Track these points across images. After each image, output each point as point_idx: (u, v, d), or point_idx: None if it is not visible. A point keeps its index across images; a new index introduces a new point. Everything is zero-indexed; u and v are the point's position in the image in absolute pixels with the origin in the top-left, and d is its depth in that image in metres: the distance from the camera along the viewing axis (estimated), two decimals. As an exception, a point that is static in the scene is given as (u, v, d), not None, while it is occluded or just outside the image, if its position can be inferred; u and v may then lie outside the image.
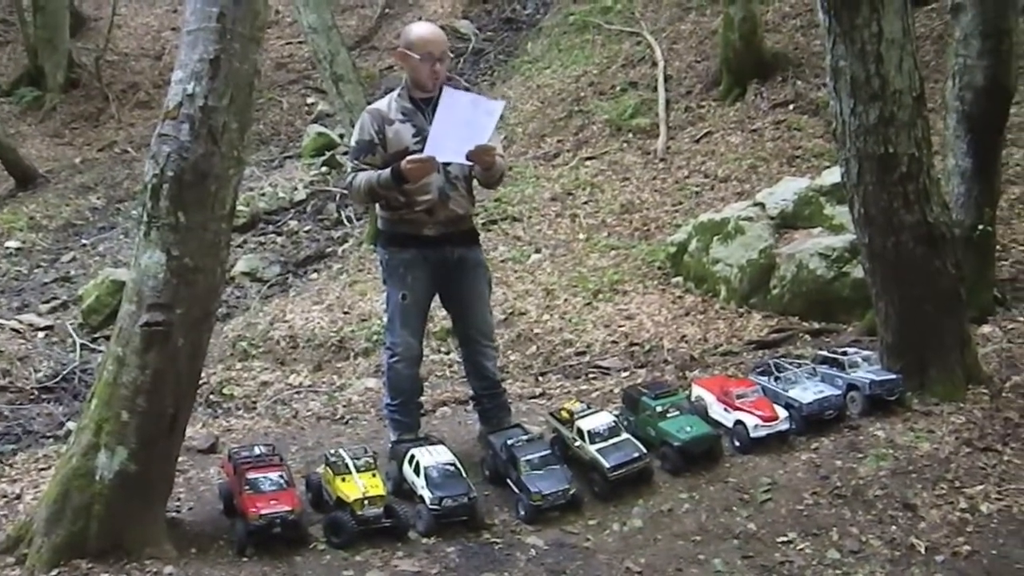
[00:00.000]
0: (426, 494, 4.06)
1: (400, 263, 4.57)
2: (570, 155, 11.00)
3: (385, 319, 4.79)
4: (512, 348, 7.14)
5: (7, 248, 11.64)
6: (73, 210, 12.85)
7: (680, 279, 7.86)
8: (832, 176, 7.15)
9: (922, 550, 3.69)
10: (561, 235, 9.20)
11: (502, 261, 8.69)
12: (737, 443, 4.56)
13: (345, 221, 11.04)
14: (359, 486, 4.00)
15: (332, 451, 4.32)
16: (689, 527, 4.00)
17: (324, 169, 12.34)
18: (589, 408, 4.63)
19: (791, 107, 10.42)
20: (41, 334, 9.04)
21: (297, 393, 6.97)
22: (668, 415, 4.54)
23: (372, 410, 6.06)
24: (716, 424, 4.66)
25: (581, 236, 9.08)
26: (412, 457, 4.25)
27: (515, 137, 11.68)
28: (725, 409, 4.68)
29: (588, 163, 10.66)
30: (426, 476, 4.11)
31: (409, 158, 4.28)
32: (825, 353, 5.11)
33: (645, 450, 4.36)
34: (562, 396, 5.83)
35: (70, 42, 16.77)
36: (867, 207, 4.84)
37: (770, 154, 9.68)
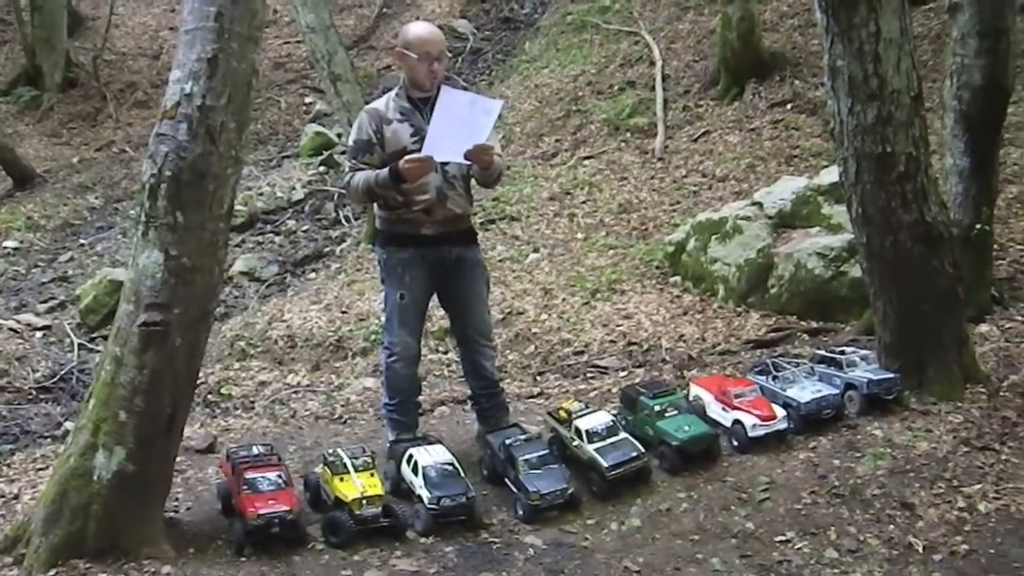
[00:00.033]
0: (424, 494, 4.06)
1: (398, 263, 4.57)
2: (568, 154, 11.01)
3: (383, 319, 4.78)
4: (510, 348, 7.14)
5: (5, 248, 11.63)
6: (71, 210, 12.84)
7: (678, 278, 7.87)
8: (830, 175, 7.15)
9: (920, 549, 3.69)
10: (559, 234, 9.21)
11: (500, 260, 8.69)
12: (735, 442, 4.56)
13: (343, 221, 11.03)
14: (357, 486, 4.00)
15: (330, 451, 4.31)
16: (687, 526, 4.00)
17: (322, 169, 12.35)
18: (587, 407, 4.63)
19: (789, 106, 10.43)
20: (39, 334, 9.04)
21: (295, 393, 6.96)
22: (666, 414, 4.54)
23: (370, 410, 6.06)
24: (714, 423, 4.66)
25: (579, 235, 9.08)
26: (410, 457, 4.25)
27: (513, 136, 11.68)
28: (723, 408, 4.68)
29: (586, 162, 10.67)
30: (424, 476, 4.11)
31: (407, 158, 4.27)
32: (823, 352, 5.11)
33: (643, 449, 4.36)
34: (560, 395, 5.82)
35: (68, 42, 16.76)
36: (865, 206, 4.84)
37: (768, 153, 9.69)
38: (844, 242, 6.72)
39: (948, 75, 5.89)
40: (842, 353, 4.95)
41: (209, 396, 7.15)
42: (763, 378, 4.91)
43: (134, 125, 15.57)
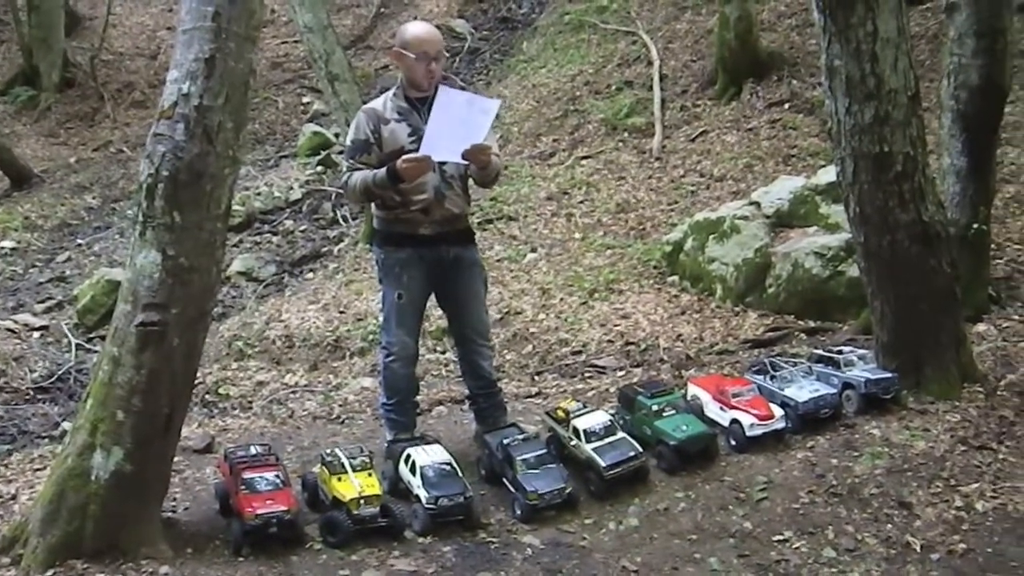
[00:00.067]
0: (422, 493, 4.06)
1: (396, 262, 4.57)
2: (566, 154, 11.01)
3: (381, 318, 4.78)
4: (508, 347, 7.14)
5: (2, 248, 11.63)
6: (68, 210, 12.83)
7: (676, 278, 7.87)
8: (827, 175, 7.16)
9: (918, 548, 3.70)
10: (557, 234, 9.21)
11: (498, 260, 8.69)
12: (733, 442, 4.56)
13: (341, 220, 11.03)
14: (355, 485, 4.00)
15: (328, 451, 4.32)
16: (685, 526, 4.01)
17: (320, 168, 12.34)
18: (585, 407, 4.63)
19: (787, 106, 10.44)
20: (36, 334, 9.03)
21: (293, 393, 6.96)
22: (664, 414, 4.54)
23: (368, 409, 6.06)
24: (712, 423, 4.66)
25: (577, 235, 9.08)
26: (408, 456, 4.25)
27: (511, 136, 11.68)
28: (721, 408, 4.69)
29: (584, 162, 10.67)
30: (422, 475, 4.11)
31: (405, 157, 4.27)
32: (821, 352, 5.12)
33: (641, 449, 4.36)
34: (558, 395, 5.82)
35: (65, 41, 16.75)
36: (862, 206, 4.85)
37: (766, 153, 9.69)
38: (842, 242, 6.72)
39: (945, 75, 5.90)
40: (840, 352, 4.95)
41: (207, 396, 7.14)
42: (761, 377, 4.91)
43: (131, 125, 15.56)
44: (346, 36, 15.79)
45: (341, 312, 8.24)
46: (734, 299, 7.31)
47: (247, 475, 4.00)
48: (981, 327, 5.78)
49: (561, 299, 7.76)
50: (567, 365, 6.70)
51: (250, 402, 6.95)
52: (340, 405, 6.34)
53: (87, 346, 8.60)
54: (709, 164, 9.84)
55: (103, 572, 3.62)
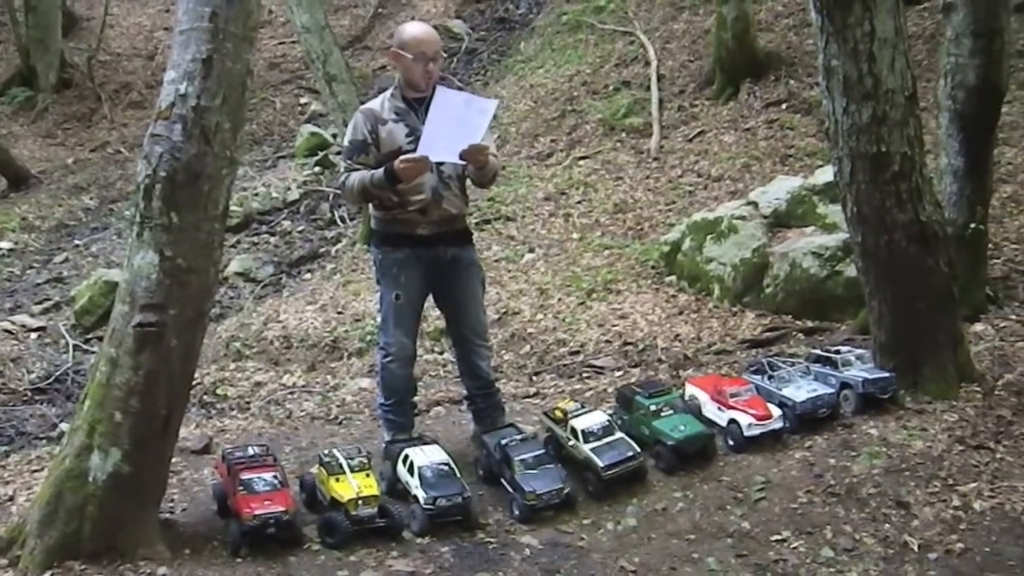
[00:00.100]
0: (420, 494, 4.06)
1: (393, 263, 4.57)
2: (563, 155, 11.01)
3: (379, 319, 4.78)
4: (506, 348, 7.14)
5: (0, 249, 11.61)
6: (66, 211, 12.82)
7: (674, 278, 7.87)
8: (825, 175, 7.16)
9: (915, 548, 3.70)
10: (555, 234, 9.20)
11: (496, 261, 8.69)
12: (731, 442, 4.57)
13: (338, 221, 11.02)
14: (353, 486, 4.00)
15: (326, 451, 4.32)
16: (683, 526, 4.01)
17: (317, 169, 12.34)
18: (583, 407, 4.63)
19: (784, 106, 10.44)
20: (34, 335, 9.01)
21: (291, 393, 6.95)
22: (662, 414, 4.54)
23: (366, 410, 6.06)
24: (710, 423, 4.66)
25: (575, 235, 9.08)
26: (406, 457, 4.25)
27: (508, 137, 11.68)
28: (719, 408, 4.69)
29: (581, 162, 10.67)
30: (420, 476, 4.11)
31: (402, 158, 4.27)
32: (818, 352, 5.12)
33: (639, 449, 4.37)
34: (556, 395, 5.82)
35: (62, 42, 16.72)
36: (860, 206, 4.85)
37: (763, 153, 9.69)
38: (839, 241, 6.73)
39: (942, 75, 5.91)
40: (837, 352, 4.96)
41: (205, 397, 7.13)
42: (759, 377, 4.91)
43: (129, 126, 15.55)
44: (344, 36, 15.78)
45: (339, 313, 8.24)
46: (732, 299, 7.31)
47: (245, 476, 4.00)
48: (978, 327, 5.78)
49: (559, 299, 7.76)
50: (565, 365, 6.70)
51: (248, 403, 6.94)
52: (338, 406, 6.34)
53: (85, 347, 8.59)
54: (707, 164, 9.84)
55: (101, 573, 3.62)
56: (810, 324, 6.71)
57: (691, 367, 6.14)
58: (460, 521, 4.06)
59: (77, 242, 11.78)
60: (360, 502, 3.94)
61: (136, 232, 3.80)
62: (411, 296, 4.60)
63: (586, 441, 4.36)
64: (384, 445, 4.68)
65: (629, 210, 9.38)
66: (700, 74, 11.64)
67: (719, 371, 5.80)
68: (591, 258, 8.48)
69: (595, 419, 4.46)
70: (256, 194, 11.85)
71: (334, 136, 12.21)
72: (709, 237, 7.63)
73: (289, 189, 11.95)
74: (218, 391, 7.23)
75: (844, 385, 4.76)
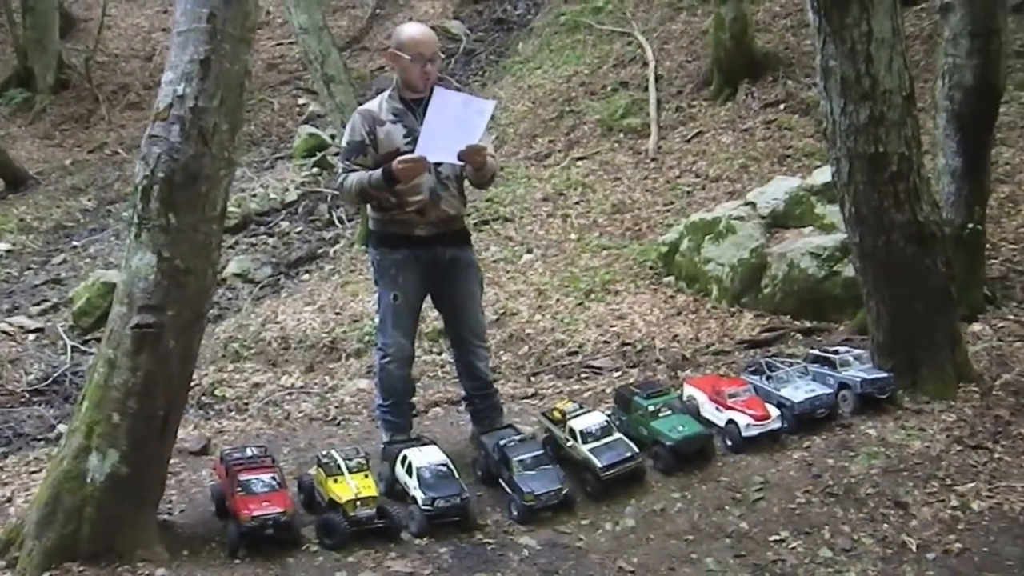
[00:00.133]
0: (418, 495, 4.05)
1: (391, 264, 4.57)
2: (561, 155, 11.01)
3: (377, 320, 4.78)
4: (504, 348, 7.14)
5: (-3, 250, 11.61)
6: (64, 212, 12.81)
7: (672, 279, 7.87)
8: (823, 175, 7.17)
9: (914, 548, 3.70)
10: (553, 235, 9.20)
11: (494, 261, 8.69)
12: (729, 442, 4.57)
13: (336, 222, 11.02)
14: (351, 487, 4.00)
15: (324, 452, 4.31)
16: (682, 526, 4.01)
17: (315, 170, 12.33)
18: (581, 408, 4.63)
19: (782, 107, 10.45)
20: (32, 336, 9.01)
21: (289, 394, 6.95)
22: (660, 414, 4.55)
23: (364, 411, 6.06)
24: (708, 423, 4.66)
25: (573, 236, 9.08)
26: (404, 458, 4.25)
27: (506, 137, 11.68)
28: (717, 408, 4.69)
29: (579, 163, 10.67)
30: (418, 477, 4.11)
31: (400, 158, 4.27)
32: (816, 352, 5.13)
33: (637, 450, 4.37)
34: (554, 396, 5.82)
35: (60, 43, 16.71)
36: (858, 206, 4.86)
37: (761, 153, 9.70)
38: (837, 242, 6.73)
39: (940, 75, 5.91)
40: (835, 353, 4.96)
41: (203, 398, 7.13)
42: (757, 378, 4.91)
43: (127, 127, 15.54)
44: (342, 37, 15.78)
45: (337, 314, 8.23)
46: (730, 299, 7.31)
47: (243, 477, 4.00)
48: (976, 327, 5.79)
49: (557, 300, 7.77)
50: (563, 366, 6.70)
51: (246, 404, 6.94)
52: (336, 407, 6.33)
53: (83, 348, 8.58)
54: (705, 165, 9.84)
55: (99, 575, 3.62)
56: (808, 324, 6.71)
57: (689, 367, 6.14)
58: (458, 522, 4.06)
59: (75, 243, 11.77)
60: (358, 503, 3.94)
61: (134, 233, 3.79)
62: (409, 297, 4.60)
63: (584, 442, 4.36)
64: (382, 446, 4.68)
65: (627, 210, 9.38)
66: (698, 75, 11.64)
67: (717, 371, 5.80)
68: (589, 259, 8.48)
69: (593, 420, 4.46)
70: (254, 195, 11.85)
71: (332, 137, 12.20)
72: (707, 237, 7.64)
73: (287, 190, 11.95)
74: (216, 392, 7.23)
75: (842, 385, 4.77)
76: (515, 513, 4.15)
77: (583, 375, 6.40)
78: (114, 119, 15.88)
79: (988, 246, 6.42)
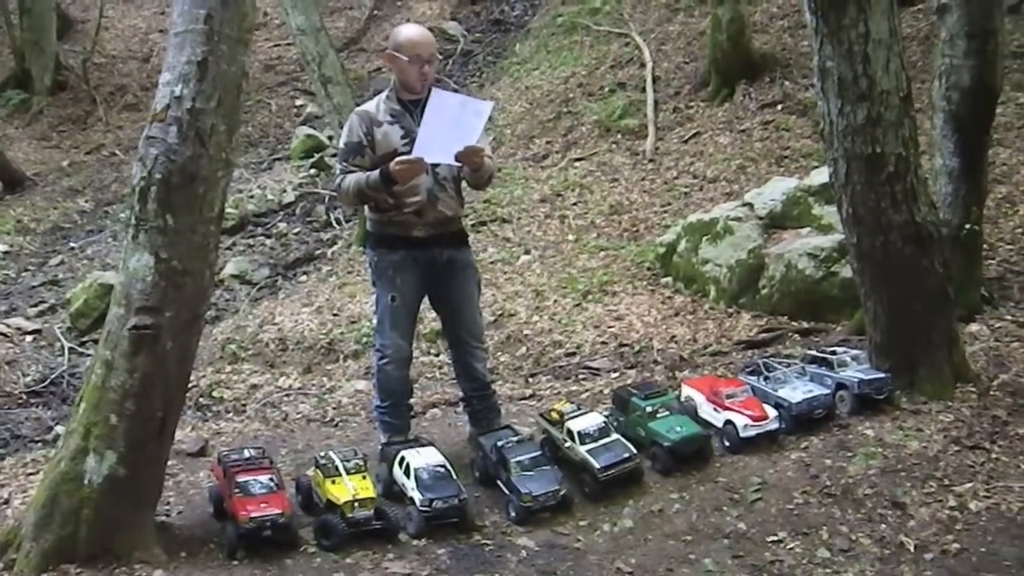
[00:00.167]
0: (416, 496, 4.05)
1: (389, 265, 4.56)
2: (559, 156, 11.01)
3: (374, 321, 4.78)
4: (502, 349, 7.14)
5: (-5, 252, 11.60)
6: (61, 213, 12.80)
7: (669, 279, 7.87)
8: (820, 176, 7.17)
9: (911, 548, 3.71)
10: (550, 236, 9.21)
11: (491, 262, 8.69)
12: (727, 443, 4.57)
13: (334, 223, 11.02)
14: (349, 488, 4.00)
15: (322, 453, 4.31)
16: (679, 527, 4.01)
17: (313, 171, 12.33)
18: (579, 409, 4.63)
19: (779, 107, 10.46)
20: (29, 338, 9.00)
21: (287, 396, 6.94)
22: (658, 415, 4.55)
23: (362, 412, 6.05)
24: (706, 424, 4.66)
25: (570, 237, 9.08)
26: (402, 459, 4.25)
27: (504, 138, 11.68)
28: (715, 409, 4.69)
29: (577, 164, 10.68)
30: (416, 478, 4.11)
31: (398, 159, 4.27)
32: (814, 352, 5.12)
33: (635, 450, 4.37)
34: (552, 397, 5.82)
35: (57, 44, 16.70)
36: (855, 207, 4.86)
37: (758, 154, 9.70)
38: (835, 242, 6.73)
39: (937, 76, 5.92)
40: (833, 353, 4.96)
41: (200, 399, 7.13)
42: (754, 378, 4.92)
43: (124, 128, 15.53)
44: (339, 38, 15.78)
45: (335, 315, 8.23)
46: (727, 300, 7.31)
47: (241, 478, 3.99)
48: (974, 327, 5.79)
49: (555, 301, 7.77)
50: (561, 367, 6.70)
51: (244, 405, 6.93)
52: (334, 408, 6.33)
53: (80, 350, 8.57)
54: (702, 165, 9.85)
55: (96, 576, 3.62)
56: (806, 325, 6.71)
57: (687, 368, 6.14)
58: (456, 523, 4.06)
59: (72, 245, 11.76)
60: (356, 504, 3.94)
61: (131, 234, 3.79)
62: (407, 298, 4.60)
63: (582, 443, 4.36)
64: (380, 447, 4.68)
65: (625, 211, 9.38)
66: (695, 76, 11.65)
67: (715, 372, 5.80)
68: (587, 260, 8.49)
69: (591, 421, 4.46)
70: (252, 196, 11.84)
71: (330, 138, 12.20)
72: (705, 238, 7.64)
73: (285, 191, 11.94)
74: (214, 393, 7.22)
75: (840, 386, 4.77)
76: (513, 514, 4.15)
77: (581, 376, 6.40)
78: (111, 120, 15.88)
79: (985, 247, 6.43)
